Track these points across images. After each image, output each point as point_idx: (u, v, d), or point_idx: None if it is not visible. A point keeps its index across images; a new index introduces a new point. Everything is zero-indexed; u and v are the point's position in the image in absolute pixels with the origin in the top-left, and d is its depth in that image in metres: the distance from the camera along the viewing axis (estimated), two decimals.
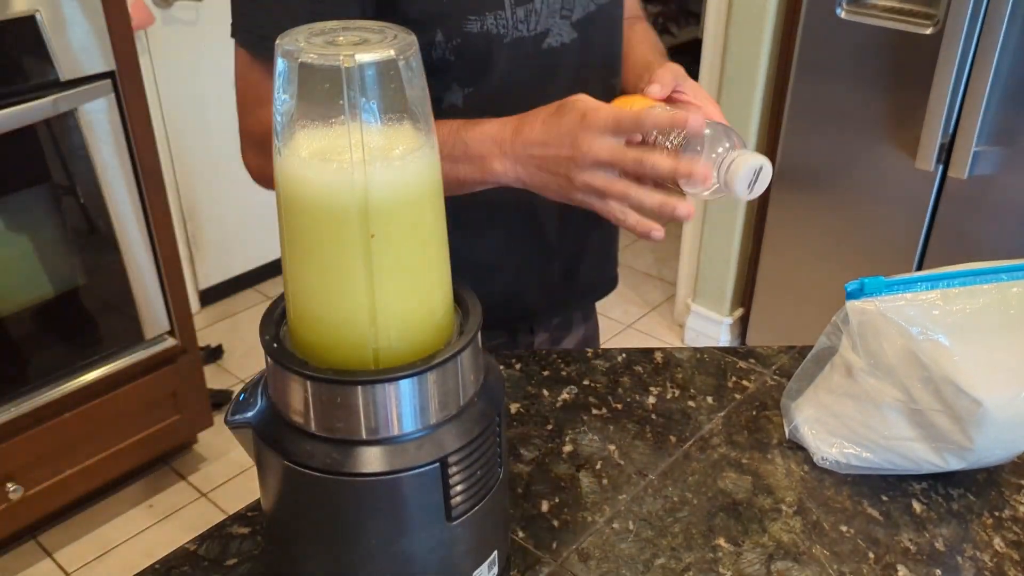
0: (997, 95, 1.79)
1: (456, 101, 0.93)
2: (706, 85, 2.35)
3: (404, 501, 0.53)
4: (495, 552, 0.61)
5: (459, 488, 0.54)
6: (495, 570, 0.62)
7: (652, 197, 0.77)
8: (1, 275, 1.77)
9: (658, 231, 0.79)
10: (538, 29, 0.93)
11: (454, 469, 0.53)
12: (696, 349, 0.98)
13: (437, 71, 0.90)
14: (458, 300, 0.61)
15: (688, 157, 0.76)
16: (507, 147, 0.82)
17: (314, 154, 0.53)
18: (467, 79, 0.93)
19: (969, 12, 1.73)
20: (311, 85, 0.52)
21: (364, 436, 0.52)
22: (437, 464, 0.53)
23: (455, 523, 0.55)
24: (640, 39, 1.12)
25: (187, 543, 0.73)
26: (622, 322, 2.83)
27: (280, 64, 0.53)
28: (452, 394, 0.54)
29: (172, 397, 2.02)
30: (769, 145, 2.25)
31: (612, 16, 1.02)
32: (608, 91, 1.03)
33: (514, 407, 0.88)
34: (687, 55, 3.51)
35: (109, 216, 1.79)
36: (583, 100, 0.80)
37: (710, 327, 2.61)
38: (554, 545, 0.73)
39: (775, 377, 0.93)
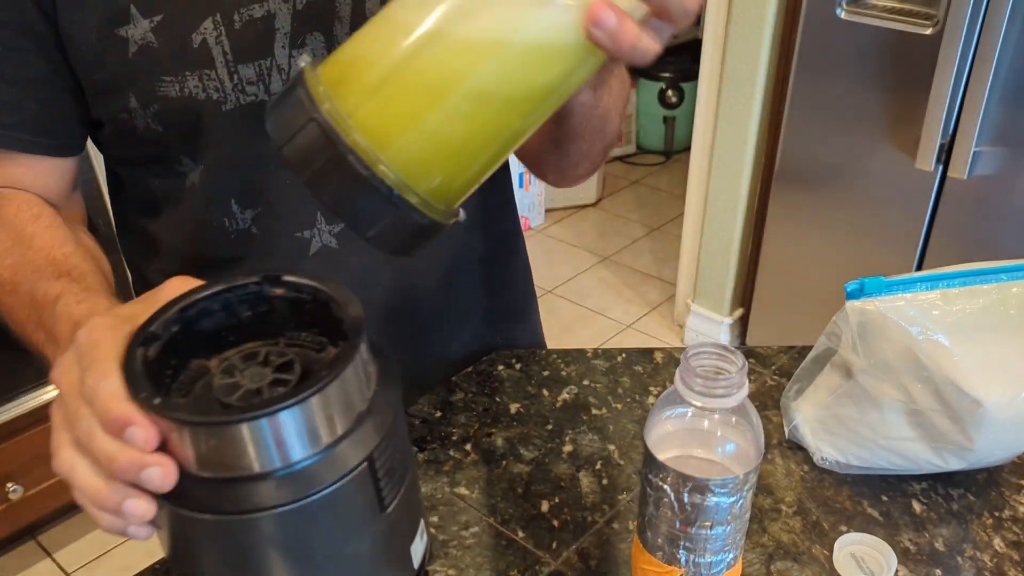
0: (997, 95, 1.79)
1: (195, 178, 0.79)
2: (706, 85, 2.35)
3: (342, 509, 0.52)
4: (421, 521, 0.61)
5: (384, 478, 0.54)
6: (425, 538, 0.61)
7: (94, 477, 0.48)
8: None
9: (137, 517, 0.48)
10: None
11: (379, 463, 0.53)
12: None
13: (151, 141, 0.76)
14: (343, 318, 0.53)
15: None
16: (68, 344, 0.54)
17: None
18: (192, 153, 0.77)
19: (969, 12, 1.73)
20: None
21: (285, 461, 0.48)
22: (365, 463, 0.52)
23: (389, 510, 0.55)
24: None
25: None
26: (622, 322, 2.83)
27: None
28: (356, 394, 0.52)
29: None
30: (769, 145, 2.25)
31: None
32: None
33: (514, 407, 0.88)
34: (687, 55, 3.52)
35: (109, 216, 1.79)
36: (134, 305, 0.54)
37: (710, 327, 2.61)
38: (554, 545, 0.73)
39: (775, 377, 0.93)
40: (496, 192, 0.97)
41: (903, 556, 0.72)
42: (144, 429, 0.47)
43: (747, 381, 0.57)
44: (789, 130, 2.15)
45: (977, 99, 1.80)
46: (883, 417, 0.77)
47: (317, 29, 0.76)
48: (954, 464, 0.77)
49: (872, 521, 0.75)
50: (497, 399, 0.90)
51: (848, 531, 0.74)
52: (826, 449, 0.80)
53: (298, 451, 0.49)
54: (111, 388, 0.48)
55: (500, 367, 0.94)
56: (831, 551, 0.72)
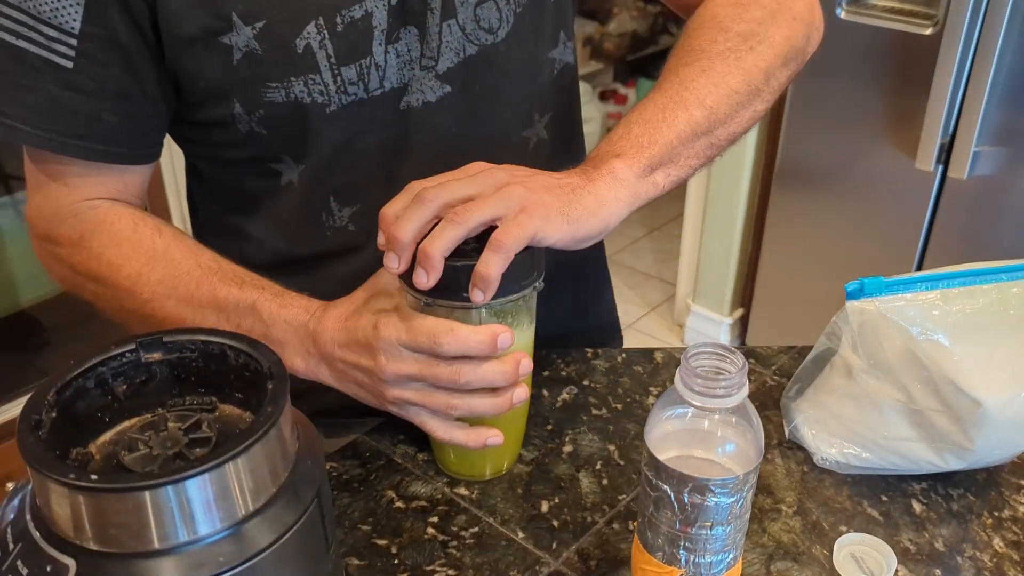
0: (997, 95, 1.79)
1: (292, 177, 0.81)
2: None
3: (297, 552, 0.51)
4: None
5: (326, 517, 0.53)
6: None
7: (483, 403, 0.67)
8: (3, 274, 1.77)
9: (495, 437, 0.70)
10: (388, 86, 0.77)
11: (322, 501, 0.52)
12: None
13: (253, 143, 0.78)
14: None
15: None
16: (309, 342, 0.69)
17: None
18: (294, 153, 0.79)
19: (969, 12, 1.73)
20: None
21: (244, 514, 0.47)
22: (315, 499, 0.51)
23: (331, 549, 0.55)
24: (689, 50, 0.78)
25: None
26: (622, 322, 2.83)
27: None
28: (279, 457, 0.50)
29: None
30: (769, 145, 2.25)
31: (511, 53, 0.81)
32: (520, 148, 0.86)
33: None
34: None
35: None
36: (378, 297, 0.68)
37: (710, 327, 2.61)
38: (554, 545, 0.73)
39: (775, 377, 0.93)
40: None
41: (903, 556, 0.72)
42: (506, 330, 0.64)
43: (747, 381, 0.58)
44: (789, 130, 2.15)
45: (977, 99, 1.80)
46: (883, 417, 0.77)
47: (411, 23, 0.77)
48: (954, 464, 0.77)
49: (872, 521, 0.75)
50: None
51: (848, 531, 0.74)
52: (826, 449, 0.80)
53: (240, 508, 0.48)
54: (464, 329, 0.64)
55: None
56: (831, 551, 0.72)
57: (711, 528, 0.58)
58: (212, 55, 0.72)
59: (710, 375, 0.57)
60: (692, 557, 0.60)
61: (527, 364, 0.67)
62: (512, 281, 0.66)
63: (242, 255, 0.86)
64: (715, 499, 0.57)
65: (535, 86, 0.87)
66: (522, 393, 0.68)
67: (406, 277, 0.66)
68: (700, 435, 0.59)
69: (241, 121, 0.76)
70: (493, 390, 0.68)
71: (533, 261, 0.68)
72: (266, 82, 0.73)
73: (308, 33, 0.73)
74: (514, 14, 0.81)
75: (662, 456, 0.58)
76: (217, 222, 0.89)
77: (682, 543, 0.60)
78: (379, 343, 0.65)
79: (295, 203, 0.82)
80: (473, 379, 0.65)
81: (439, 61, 0.79)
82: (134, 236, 0.76)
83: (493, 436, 0.70)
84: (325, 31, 0.73)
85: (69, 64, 0.71)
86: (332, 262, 0.85)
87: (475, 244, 0.66)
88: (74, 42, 0.70)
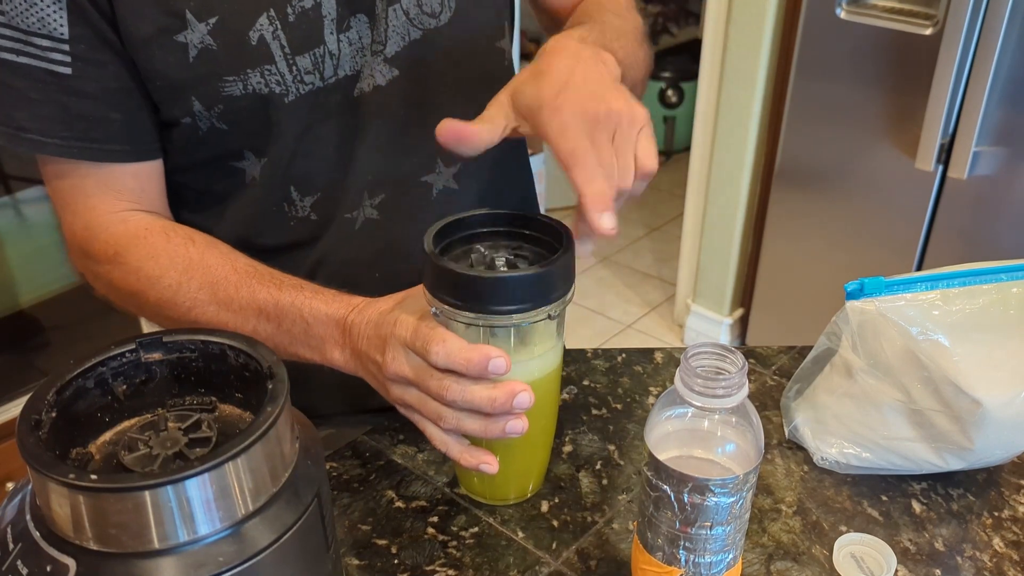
0: (997, 95, 1.79)
1: (255, 173, 0.81)
2: (706, 85, 2.34)
3: (297, 552, 0.51)
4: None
5: (326, 517, 0.53)
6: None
7: (472, 423, 0.64)
8: (3, 274, 1.77)
9: (489, 464, 0.66)
10: (341, 74, 0.79)
11: (322, 500, 0.52)
12: None
13: (214, 141, 0.79)
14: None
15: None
16: (345, 336, 0.70)
17: None
18: (255, 146, 0.80)
19: (969, 12, 1.73)
20: None
21: (244, 513, 0.48)
22: (314, 499, 0.51)
23: (331, 549, 0.55)
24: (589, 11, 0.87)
25: None
26: (622, 322, 2.83)
27: None
28: (279, 457, 0.50)
29: None
30: (769, 145, 2.25)
31: (455, 38, 0.83)
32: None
33: None
34: (687, 55, 3.52)
35: None
36: (415, 297, 0.67)
37: (710, 327, 2.61)
38: (554, 545, 0.73)
39: (775, 377, 0.93)
40: (518, 190, 0.98)
41: (903, 556, 0.72)
42: (501, 356, 0.61)
43: (747, 381, 0.57)
44: (789, 130, 2.15)
45: (977, 99, 1.80)
46: (883, 417, 0.77)
47: (360, 11, 0.78)
48: (954, 464, 0.77)
49: (872, 521, 0.75)
50: None
51: (848, 531, 0.74)
52: (826, 449, 0.80)
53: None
54: (457, 344, 0.62)
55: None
56: (831, 551, 0.72)
57: (711, 528, 0.58)
58: (168, 54, 0.73)
59: (710, 375, 0.57)
60: (692, 557, 0.60)
61: (524, 398, 0.63)
62: (537, 296, 0.63)
63: None
64: (715, 499, 0.57)
65: (485, 73, 0.87)
66: (516, 426, 0.64)
67: (426, 282, 0.65)
68: (700, 435, 0.59)
69: (201, 118, 0.76)
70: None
71: (567, 272, 0.65)
72: (223, 76, 0.74)
73: (261, 25, 0.74)
74: (456, 2, 0.83)
75: (662, 456, 0.58)
76: (186, 224, 0.89)
77: (682, 543, 0.60)
78: (391, 340, 0.66)
79: (257, 196, 0.83)
80: (458, 398, 0.63)
81: (387, 45, 0.80)
82: (168, 247, 0.77)
83: (486, 462, 0.66)
84: (277, 22, 0.75)
85: (68, 71, 0.72)
86: (294, 251, 0.85)
87: (486, 253, 0.67)
88: (67, 47, 0.72)
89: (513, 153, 0.97)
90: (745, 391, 0.57)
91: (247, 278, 0.74)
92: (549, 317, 0.65)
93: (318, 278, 0.77)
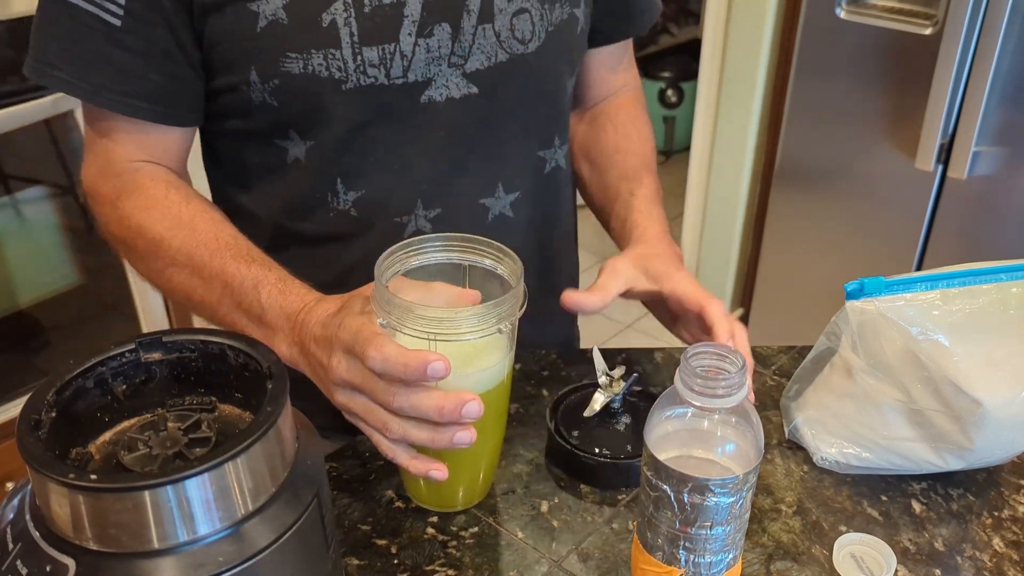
0: (997, 95, 1.80)
1: (299, 154, 0.81)
2: (706, 85, 2.35)
3: (297, 552, 0.51)
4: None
5: (326, 517, 0.53)
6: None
7: (419, 433, 0.63)
8: (3, 274, 1.77)
9: (438, 471, 0.65)
10: (412, 78, 0.78)
11: (322, 501, 0.52)
12: None
13: (260, 115, 0.79)
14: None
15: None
16: (295, 332, 0.69)
17: None
18: (301, 128, 0.80)
19: (969, 12, 1.73)
20: None
21: (244, 513, 0.48)
22: (314, 499, 0.51)
23: (330, 549, 0.55)
24: (622, 147, 0.95)
25: None
26: (622, 322, 2.83)
27: None
28: (279, 457, 0.50)
29: None
30: (769, 145, 2.25)
31: (537, 67, 0.84)
32: (536, 168, 0.89)
33: (513, 407, 0.88)
34: (687, 55, 3.52)
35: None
36: (356, 299, 0.66)
37: None
38: (554, 545, 0.73)
39: (775, 377, 0.93)
40: (563, 225, 0.99)
41: (903, 556, 0.72)
42: (440, 359, 0.59)
43: (747, 381, 0.57)
44: (789, 130, 2.15)
45: (976, 99, 1.80)
46: (883, 417, 0.77)
47: (445, 20, 0.78)
48: (954, 464, 0.77)
49: (872, 521, 0.75)
50: None
51: (848, 531, 0.74)
52: (826, 449, 0.80)
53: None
54: (394, 348, 0.60)
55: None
56: (831, 551, 0.72)
57: (711, 528, 0.58)
58: (238, 19, 0.74)
59: (710, 375, 0.57)
60: (692, 557, 0.60)
61: (473, 408, 0.61)
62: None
63: (248, 233, 0.87)
64: (715, 499, 0.57)
65: (558, 110, 0.90)
66: (464, 437, 0.62)
67: (375, 294, 0.64)
68: (700, 435, 0.59)
69: (255, 89, 0.77)
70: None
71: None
72: (287, 52, 0.75)
73: (335, 9, 0.75)
74: (546, 32, 0.83)
75: (662, 456, 0.58)
76: (228, 199, 0.91)
77: (682, 543, 0.59)
78: (336, 343, 0.64)
79: (301, 181, 0.83)
80: (405, 405, 0.61)
81: (468, 60, 0.80)
82: (164, 201, 0.78)
83: (436, 469, 0.65)
84: (352, 9, 0.75)
85: (118, 22, 0.74)
86: (330, 246, 0.86)
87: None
88: (123, 1, 0.73)
89: (566, 190, 0.99)
90: (745, 391, 0.57)
91: (224, 248, 0.75)
92: (499, 332, 0.64)
93: (355, 277, 0.75)
